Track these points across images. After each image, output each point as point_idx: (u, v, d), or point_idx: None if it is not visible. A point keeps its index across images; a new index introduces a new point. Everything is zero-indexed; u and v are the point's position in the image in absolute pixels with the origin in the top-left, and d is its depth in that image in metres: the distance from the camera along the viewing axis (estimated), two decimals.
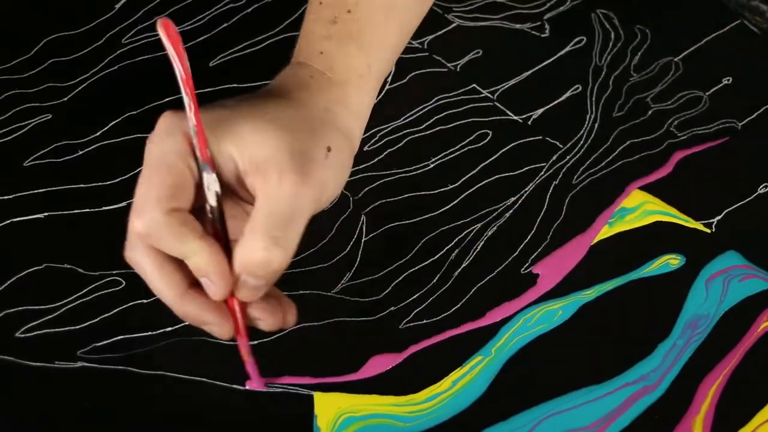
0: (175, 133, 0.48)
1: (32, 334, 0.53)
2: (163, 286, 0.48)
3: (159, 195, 0.47)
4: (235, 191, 0.49)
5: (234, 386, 0.51)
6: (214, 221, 0.48)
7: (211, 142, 0.48)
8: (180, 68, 0.47)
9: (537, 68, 0.67)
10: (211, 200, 0.48)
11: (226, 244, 0.48)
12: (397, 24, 0.57)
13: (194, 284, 0.49)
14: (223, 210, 0.49)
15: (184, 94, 0.47)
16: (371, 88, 0.55)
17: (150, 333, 0.53)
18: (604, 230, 0.59)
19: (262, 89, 0.53)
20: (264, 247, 0.47)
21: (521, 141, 0.63)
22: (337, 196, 0.51)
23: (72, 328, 0.53)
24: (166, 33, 0.46)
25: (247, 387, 0.52)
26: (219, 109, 0.49)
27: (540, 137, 0.63)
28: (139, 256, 0.48)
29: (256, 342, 0.53)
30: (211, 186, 0.48)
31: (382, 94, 0.64)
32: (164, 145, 0.48)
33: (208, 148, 0.47)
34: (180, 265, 0.48)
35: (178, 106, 0.62)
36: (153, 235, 0.47)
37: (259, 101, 0.51)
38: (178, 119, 0.48)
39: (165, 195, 0.47)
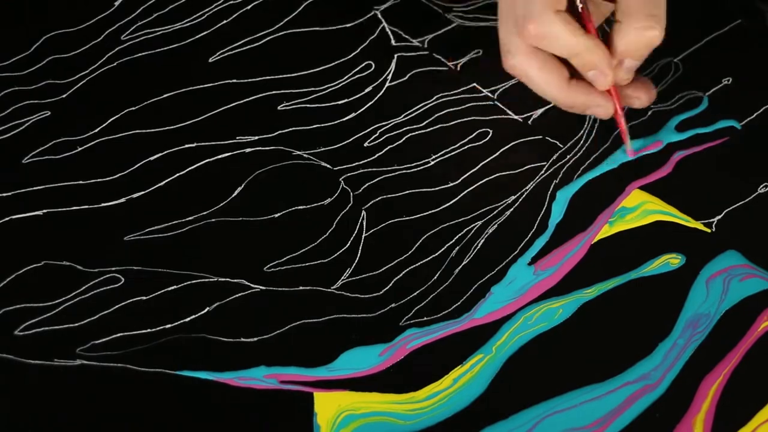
0: None
1: (31, 332, 0.53)
2: (551, 81, 0.56)
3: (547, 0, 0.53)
4: None
5: (233, 384, 0.51)
6: (585, 18, 0.55)
7: None
8: None
9: None
10: None
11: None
12: None
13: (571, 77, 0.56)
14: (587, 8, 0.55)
15: None
16: None
17: (149, 330, 0.53)
18: (604, 229, 0.59)
19: None
20: (646, 26, 0.54)
21: (521, 140, 0.63)
22: None
23: (71, 325, 0.53)
24: None
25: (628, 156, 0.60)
26: None
27: (540, 137, 0.63)
28: (524, 60, 0.55)
29: (256, 339, 0.53)
30: None
31: (383, 91, 0.64)
32: None
33: None
34: (559, 62, 0.55)
35: (177, 101, 0.63)
36: (547, 36, 0.54)
37: None
38: None
39: None
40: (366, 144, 0.62)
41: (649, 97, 0.59)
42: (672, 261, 0.57)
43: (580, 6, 0.54)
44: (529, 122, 0.64)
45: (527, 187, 0.60)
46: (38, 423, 0.49)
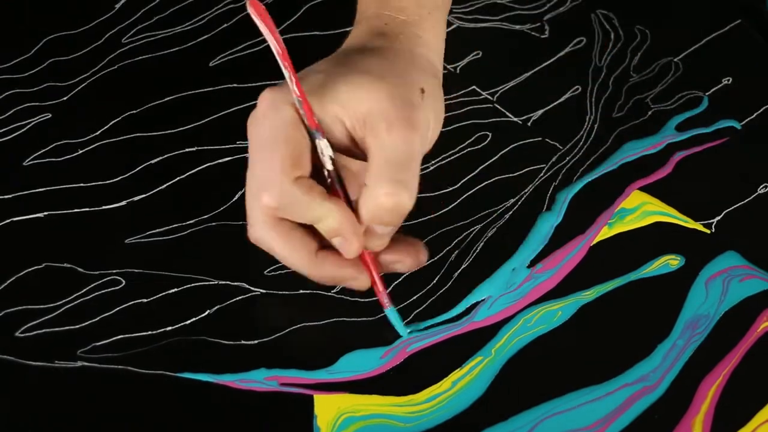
0: (282, 107, 0.50)
1: (32, 333, 0.53)
2: (295, 254, 0.51)
3: (282, 167, 0.49)
4: (345, 149, 0.51)
5: (234, 386, 0.51)
6: (333, 183, 0.51)
7: (316, 107, 0.49)
8: (275, 44, 0.48)
9: (537, 69, 0.67)
10: (328, 165, 0.50)
11: (348, 204, 0.51)
12: None
13: (322, 247, 0.51)
14: (339, 172, 0.51)
15: (283, 68, 0.49)
16: (442, 21, 0.57)
17: (150, 332, 0.53)
18: (603, 231, 0.59)
19: (341, 49, 0.54)
20: (392, 192, 0.49)
21: (521, 142, 0.63)
22: (436, 137, 0.53)
23: (72, 327, 0.53)
24: (257, 12, 0.48)
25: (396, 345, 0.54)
26: (313, 75, 0.51)
27: (540, 138, 0.63)
28: (266, 233, 0.50)
29: (256, 341, 0.53)
30: (325, 151, 0.50)
31: None
32: (275, 120, 0.50)
33: (315, 114, 0.49)
34: (306, 231, 0.51)
35: (178, 104, 0.63)
36: (284, 206, 0.49)
37: (348, 59, 0.52)
38: (280, 93, 0.50)
39: (288, 166, 0.49)
40: None
41: (416, 260, 0.53)
42: (671, 262, 0.57)
43: (327, 172, 0.50)
44: (529, 124, 0.64)
45: (527, 190, 0.60)
46: (39, 424, 0.50)
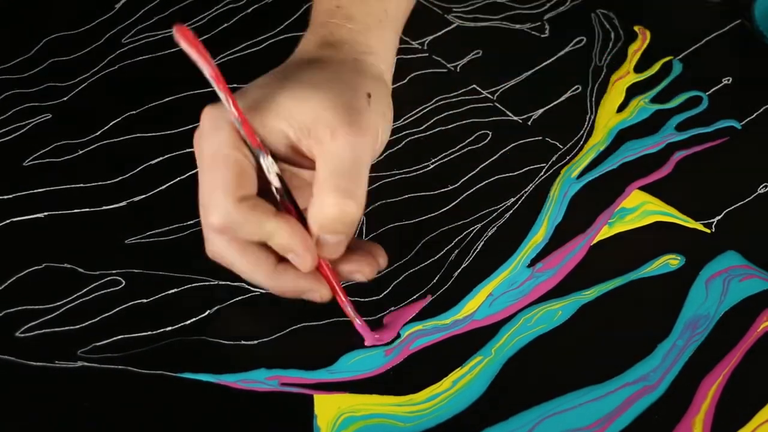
0: (222, 126, 0.49)
1: (32, 333, 0.53)
2: (253, 270, 0.50)
3: (224, 187, 0.48)
4: (294, 162, 0.50)
5: (234, 386, 0.51)
6: (283, 199, 0.50)
7: (257, 123, 0.48)
8: (207, 68, 0.47)
9: (537, 69, 0.67)
10: (275, 182, 0.49)
11: (300, 218, 0.50)
12: None
13: (281, 260, 0.50)
14: (288, 186, 0.50)
15: (218, 91, 0.47)
16: (392, 32, 0.56)
17: (150, 332, 0.53)
18: (604, 230, 0.59)
19: (286, 62, 0.54)
20: (336, 202, 0.48)
21: (521, 141, 0.63)
22: (386, 141, 0.52)
23: (72, 327, 0.53)
24: (185, 38, 0.46)
25: (366, 344, 0.53)
26: (253, 90, 0.50)
27: (540, 138, 0.63)
28: (220, 249, 0.50)
29: (256, 341, 0.53)
30: (271, 168, 0.49)
31: None
32: (215, 140, 0.49)
33: (257, 132, 0.48)
34: (263, 246, 0.50)
35: (178, 104, 0.63)
36: (230, 226, 0.48)
37: (289, 71, 0.52)
38: (220, 112, 0.49)
39: (230, 186, 0.48)
40: None
41: (374, 267, 0.53)
42: (671, 262, 0.57)
43: (275, 189, 0.49)
44: (529, 123, 0.64)
45: (527, 189, 0.60)
46: (39, 424, 0.50)
